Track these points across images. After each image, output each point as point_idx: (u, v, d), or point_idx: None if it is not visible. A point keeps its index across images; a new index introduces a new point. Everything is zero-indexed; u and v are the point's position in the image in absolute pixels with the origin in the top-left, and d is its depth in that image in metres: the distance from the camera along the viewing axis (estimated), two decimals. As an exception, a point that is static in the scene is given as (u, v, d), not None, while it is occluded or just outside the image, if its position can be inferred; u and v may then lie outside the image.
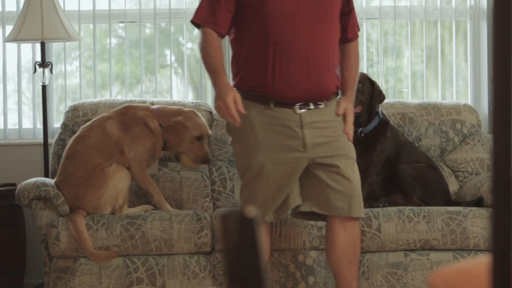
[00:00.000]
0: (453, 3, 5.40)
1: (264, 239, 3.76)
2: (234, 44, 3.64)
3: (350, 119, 3.69)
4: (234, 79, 3.66)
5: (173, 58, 5.46)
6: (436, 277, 1.55)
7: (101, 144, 4.29)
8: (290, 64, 3.51)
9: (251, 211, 1.19)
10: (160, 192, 4.38)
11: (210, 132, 4.33)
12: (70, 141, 4.41)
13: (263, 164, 3.57)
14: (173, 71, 5.46)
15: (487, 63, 5.33)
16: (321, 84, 3.57)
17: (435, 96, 5.43)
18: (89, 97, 5.36)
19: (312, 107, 3.59)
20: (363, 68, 5.33)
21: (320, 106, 3.60)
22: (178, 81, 5.49)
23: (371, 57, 5.41)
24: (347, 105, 3.70)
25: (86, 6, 5.37)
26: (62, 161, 4.37)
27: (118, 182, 4.24)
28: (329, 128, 3.62)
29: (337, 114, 3.66)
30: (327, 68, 3.58)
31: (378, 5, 5.36)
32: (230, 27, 3.61)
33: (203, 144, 4.23)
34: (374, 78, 4.65)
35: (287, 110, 3.58)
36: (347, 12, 3.70)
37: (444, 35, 5.43)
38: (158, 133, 4.30)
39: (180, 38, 5.51)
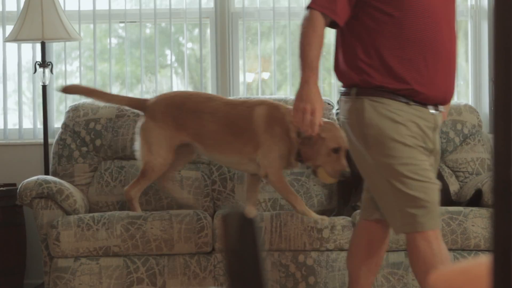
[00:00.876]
0: (454, 3, 5.39)
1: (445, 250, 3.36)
2: (361, 37, 3.33)
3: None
4: (353, 76, 3.33)
5: (173, 58, 5.46)
6: (437, 277, 1.55)
7: (234, 123, 4.21)
8: (436, 63, 3.28)
9: (251, 211, 1.19)
10: (302, 201, 4.21)
11: (347, 145, 3.83)
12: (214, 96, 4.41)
13: (421, 161, 3.27)
14: (173, 71, 5.45)
15: (488, 63, 5.33)
16: (453, 86, 3.40)
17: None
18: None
19: (441, 109, 3.40)
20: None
21: (442, 110, 3.42)
22: (178, 81, 5.49)
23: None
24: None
25: (86, 6, 5.36)
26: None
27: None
28: (437, 139, 3.45)
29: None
30: (456, 69, 3.41)
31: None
32: (347, 19, 3.34)
33: (340, 157, 3.97)
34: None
35: (423, 108, 3.33)
36: None
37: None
38: (295, 143, 4.10)
39: (180, 38, 5.51)
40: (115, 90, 5.42)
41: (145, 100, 4.41)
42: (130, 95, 5.39)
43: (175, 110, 4.29)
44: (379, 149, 3.28)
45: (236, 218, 1.19)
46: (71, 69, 5.46)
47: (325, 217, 4.19)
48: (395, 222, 3.31)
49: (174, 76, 5.45)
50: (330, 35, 5.34)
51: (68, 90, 4.45)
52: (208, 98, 4.33)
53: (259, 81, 5.41)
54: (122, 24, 5.45)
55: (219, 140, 4.22)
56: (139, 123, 4.36)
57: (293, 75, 5.33)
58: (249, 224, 1.20)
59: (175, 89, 5.43)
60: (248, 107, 4.23)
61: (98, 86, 5.38)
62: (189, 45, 5.49)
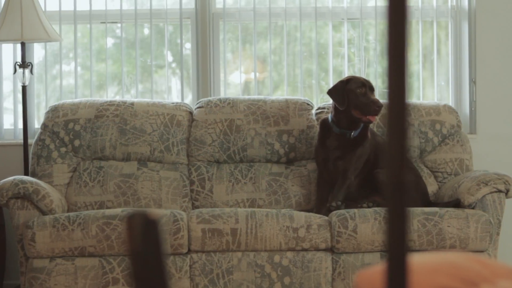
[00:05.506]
0: (434, 4, 5.39)
1: None
2: None
3: None
4: None
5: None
6: (361, 278, 1.55)
7: None
8: None
9: (156, 213, 1.19)
10: None
11: None
12: None
13: None
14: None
15: (468, 63, 5.32)
16: None
17: (415, 97, 5.42)
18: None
19: None
20: (345, 70, 5.33)
21: None
22: (163, 82, 5.48)
23: (353, 58, 5.40)
24: None
25: (67, 6, 5.35)
26: None
27: None
28: None
29: None
30: None
31: (360, 5, 5.36)
32: None
33: None
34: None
35: None
36: None
37: (431, 35, 5.42)
38: None
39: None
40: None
41: None
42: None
43: None
44: None
45: (140, 220, 1.20)
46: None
47: None
48: None
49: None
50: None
51: None
52: None
53: (240, 81, 5.41)
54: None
55: None
56: None
57: (274, 75, 5.33)
58: (152, 226, 1.20)
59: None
60: None
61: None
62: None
